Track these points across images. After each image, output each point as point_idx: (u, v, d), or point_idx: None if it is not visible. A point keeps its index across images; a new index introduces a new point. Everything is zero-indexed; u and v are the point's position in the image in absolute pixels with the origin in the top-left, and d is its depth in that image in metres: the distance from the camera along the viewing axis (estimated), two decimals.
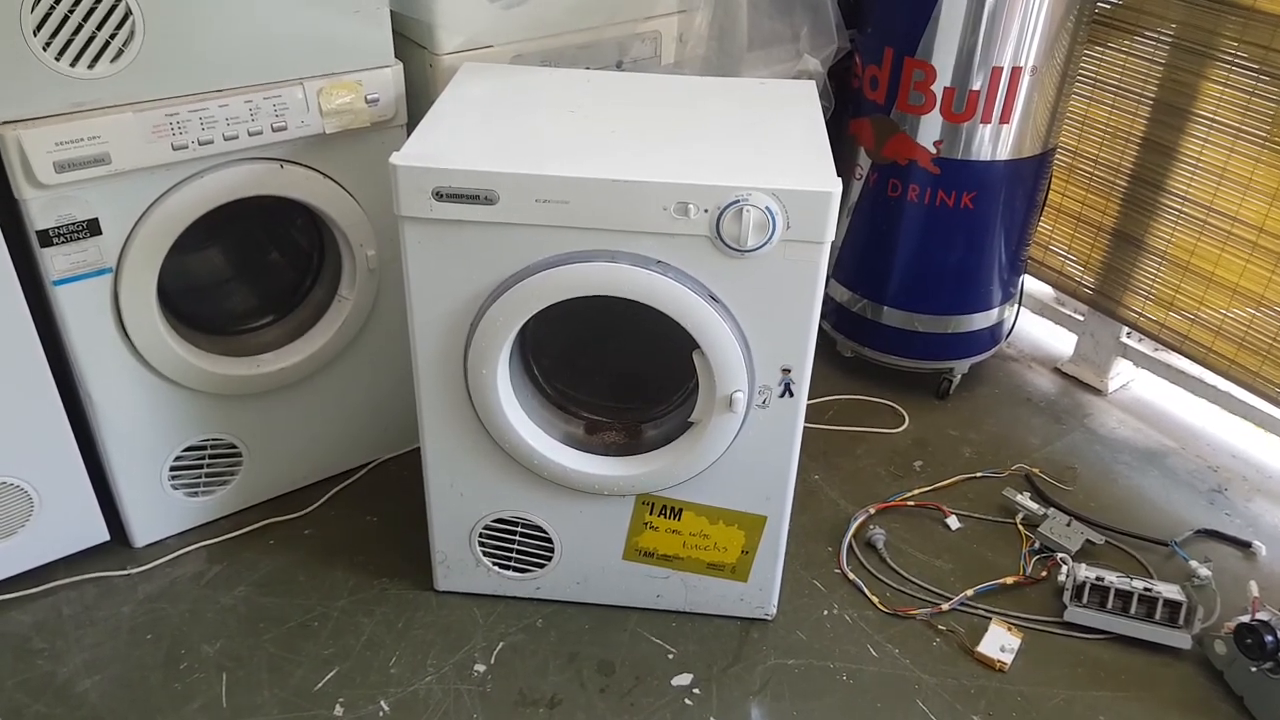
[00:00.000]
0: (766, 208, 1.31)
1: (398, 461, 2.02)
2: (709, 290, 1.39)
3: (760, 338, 1.42)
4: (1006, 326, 2.31)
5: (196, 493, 1.83)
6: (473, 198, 1.34)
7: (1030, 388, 2.37)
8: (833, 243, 1.36)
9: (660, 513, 1.60)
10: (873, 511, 1.94)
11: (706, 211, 1.32)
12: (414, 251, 1.39)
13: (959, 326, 2.22)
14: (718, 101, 1.61)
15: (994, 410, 2.28)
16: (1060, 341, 2.53)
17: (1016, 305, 2.32)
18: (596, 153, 1.39)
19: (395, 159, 1.34)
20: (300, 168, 1.65)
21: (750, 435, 1.50)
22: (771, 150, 1.43)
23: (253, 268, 1.85)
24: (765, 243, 1.33)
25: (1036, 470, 2.07)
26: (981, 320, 2.23)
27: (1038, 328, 2.59)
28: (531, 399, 1.59)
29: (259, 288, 1.85)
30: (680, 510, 1.59)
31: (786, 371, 1.45)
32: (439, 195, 1.34)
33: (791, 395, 1.47)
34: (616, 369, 1.66)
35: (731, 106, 1.59)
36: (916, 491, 2.00)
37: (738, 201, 1.31)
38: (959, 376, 2.29)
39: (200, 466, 1.81)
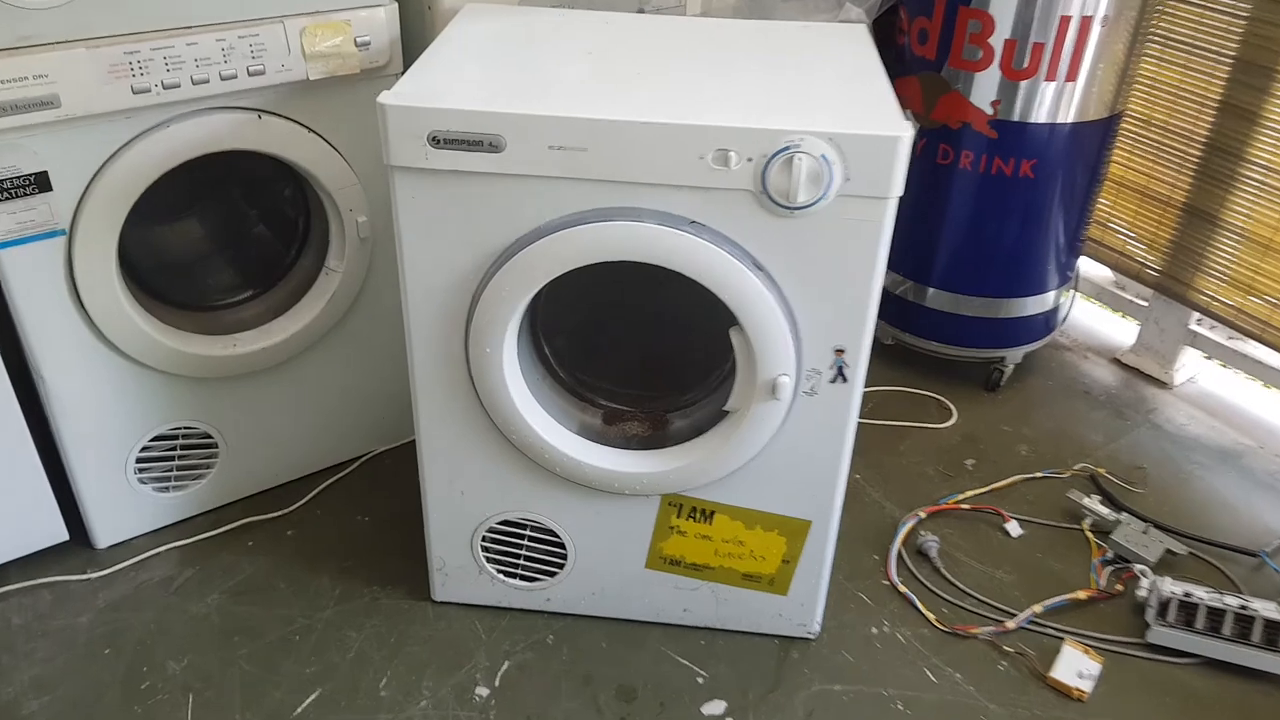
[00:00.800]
0: (822, 156, 1.11)
1: (393, 455, 1.82)
2: (751, 256, 1.18)
3: (811, 312, 1.22)
4: (1062, 312, 2.10)
5: (167, 488, 1.63)
6: (475, 143, 1.14)
7: (1088, 380, 2.16)
8: None
9: (689, 515, 1.40)
10: (923, 515, 1.74)
11: (750, 160, 1.12)
12: (407, 208, 1.19)
13: (1011, 311, 2.01)
14: (756, 44, 1.40)
15: (1050, 404, 2.07)
16: (1119, 329, 2.32)
17: (1073, 289, 2.11)
18: (619, 94, 1.19)
19: (385, 98, 1.14)
20: (280, 119, 1.45)
21: (796, 427, 1.30)
22: (825, 91, 1.23)
23: (230, 236, 1.66)
24: (820, 198, 1.13)
25: (1102, 470, 1.86)
26: (1036, 305, 2.02)
27: (1093, 314, 2.38)
28: (542, 384, 1.39)
29: (237, 258, 1.65)
30: (712, 513, 1.39)
31: (840, 353, 1.24)
32: (436, 141, 1.14)
33: (845, 380, 1.26)
34: (640, 349, 1.46)
35: (772, 49, 1.38)
36: (970, 493, 1.80)
37: (788, 148, 1.11)
38: (1011, 367, 2.08)
39: (171, 459, 1.62)
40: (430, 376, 1.32)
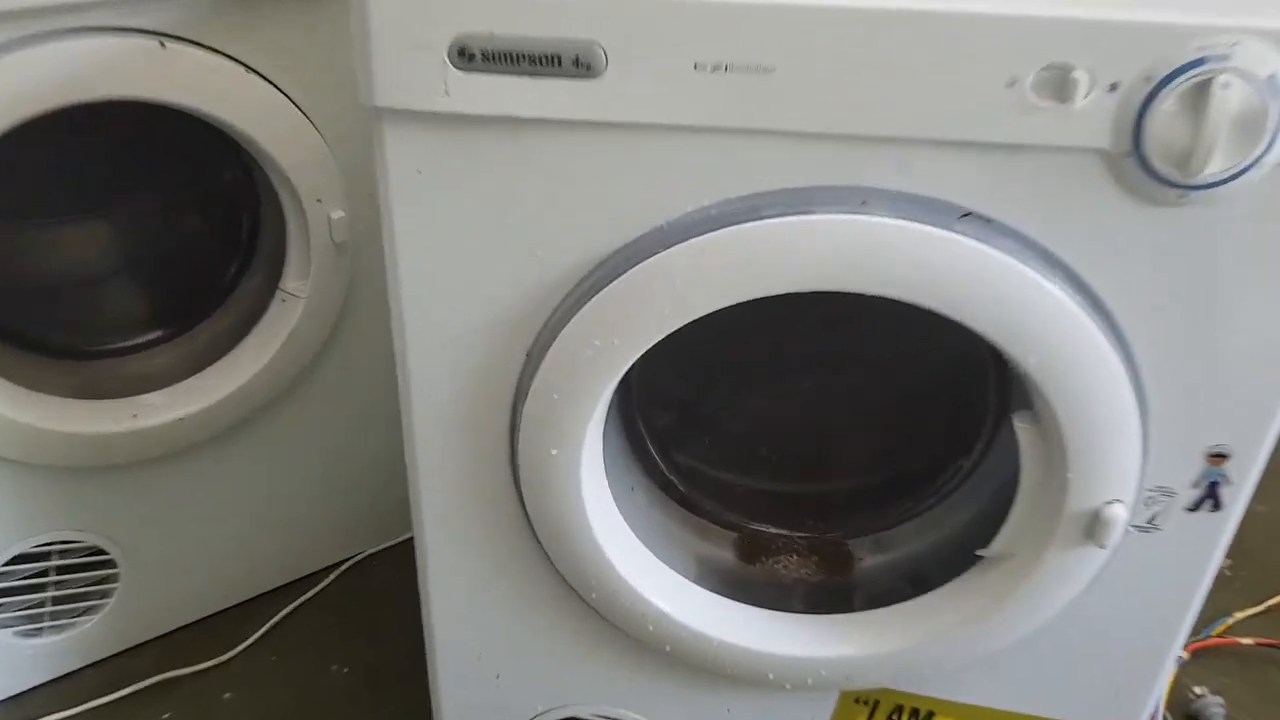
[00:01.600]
0: (1271, 78, 0.54)
1: (385, 560, 1.25)
2: (1083, 283, 0.61)
3: (1177, 389, 0.64)
4: None
5: (37, 631, 1.06)
6: (545, 60, 0.57)
7: None
8: None
9: (889, 718, 0.83)
10: (1185, 656, 1.16)
11: (1114, 89, 0.55)
12: (407, 189, 0.62)
13: None
14: None
15: None
16: None
17: None
18: None
19: None
20: (198, 50, 0.87)
21: (1111, 584, 0.72)
22: None
23: (128, 242, 1.09)
24: (1248, 165, 0.56)
25: None
26: None
27: None
28: (636, 493, 0.82)
29: (140, 278, 1.08)
30: (930, 714, 0.82)
31: (1219, 461, 0.67)
32: (466, 55, 0.57)
33: (1217, 507, 0.69)
34: (802, 431, 0.88)
35: None
36: (1242, 615, 1.22)
37: (1201, 63, 0.54)
38: None
39: (41, 589, 1.05)
40: (444, 489, 0.75)
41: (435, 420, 0.71)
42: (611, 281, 0.62)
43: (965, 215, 0.60)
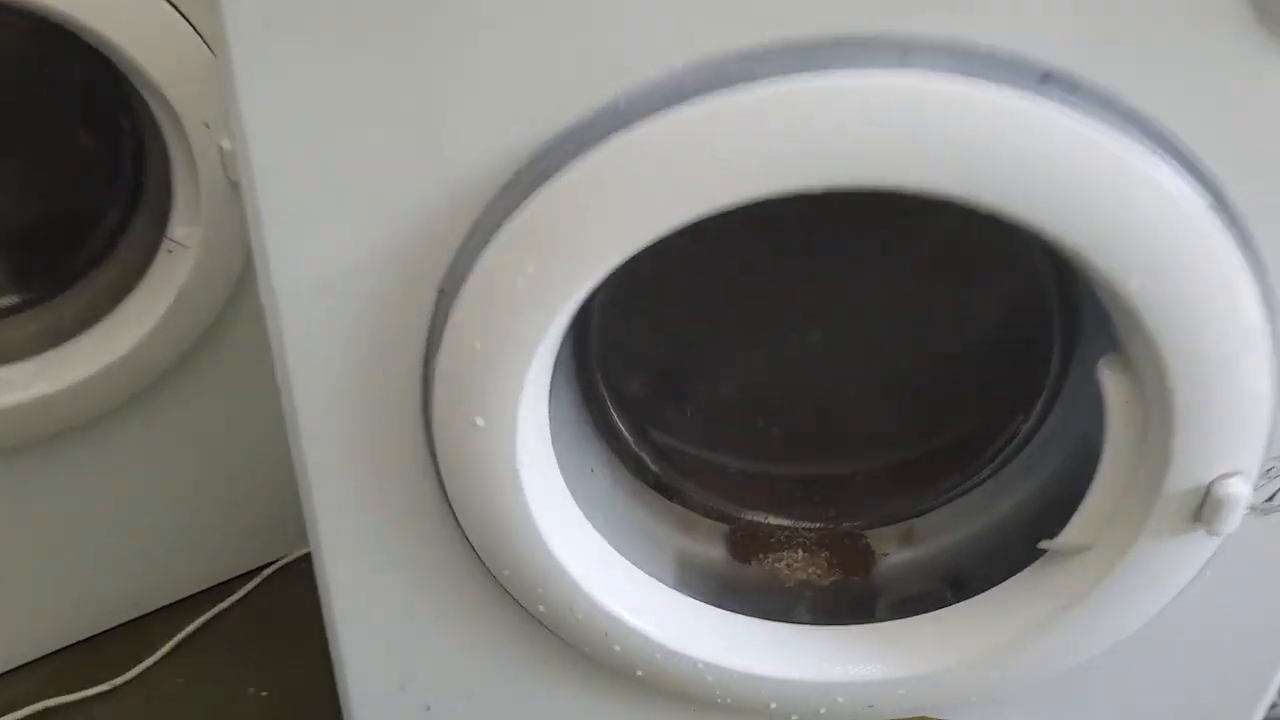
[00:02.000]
0: None
1: (305, 567, 1.08)
2: (1205, 170, 0.44)
3: None
4: None
5: None
6: None
7: None
8: None
9: None
10: None
11: None
12: (256, 58, 0.44)
13: None
14: None
15: None
16: None
17: None
18: None
19: None
20: None
21: (1215, 580, 0.56)
22: None
23: None
24: None
25: None
26: None
27: None
28: (596, 473, 0.65)
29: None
30: None
31: None
32: None
33: None
34: (806, 389, 0.70)
35: None
36: None
37: None
38: None
39: None
40: (341, 476, 0.57)
41: (322, 385, 0.53)
42: (547, 182, 0.45)
43: (1046, 76, 0.42)
